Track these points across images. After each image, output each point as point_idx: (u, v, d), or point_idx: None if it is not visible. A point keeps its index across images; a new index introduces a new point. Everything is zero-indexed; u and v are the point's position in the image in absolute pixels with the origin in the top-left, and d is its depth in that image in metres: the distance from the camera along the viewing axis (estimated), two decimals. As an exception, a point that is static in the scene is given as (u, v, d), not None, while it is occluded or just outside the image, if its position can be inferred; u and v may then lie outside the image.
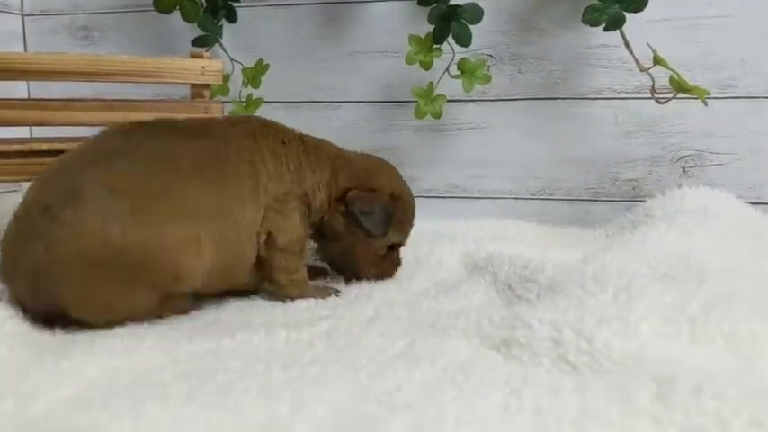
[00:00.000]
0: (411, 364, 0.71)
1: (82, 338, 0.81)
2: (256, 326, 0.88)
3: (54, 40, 1.70)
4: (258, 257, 0.99)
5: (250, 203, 0.97)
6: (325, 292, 1.04)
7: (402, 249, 1.27)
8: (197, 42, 1.53)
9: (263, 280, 1.02)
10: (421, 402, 0.61)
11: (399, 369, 0.70)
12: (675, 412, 0.55)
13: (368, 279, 1.13)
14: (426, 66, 1.41)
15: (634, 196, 1.47)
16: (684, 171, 1.43)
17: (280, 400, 0.63)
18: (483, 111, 1.53)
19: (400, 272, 1.17)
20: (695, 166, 1.42)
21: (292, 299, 1.01)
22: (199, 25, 1.51)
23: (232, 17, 1.58)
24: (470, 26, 1.39)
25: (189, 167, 0.92)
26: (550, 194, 1.52)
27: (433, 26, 1.39)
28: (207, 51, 1.54)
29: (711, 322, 0.70)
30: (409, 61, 1.40)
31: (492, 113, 1.52)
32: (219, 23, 1.57)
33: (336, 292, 1.05)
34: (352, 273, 1.14)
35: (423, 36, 1.40)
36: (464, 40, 1.39)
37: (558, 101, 1.48)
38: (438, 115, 1.42)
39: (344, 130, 1.59)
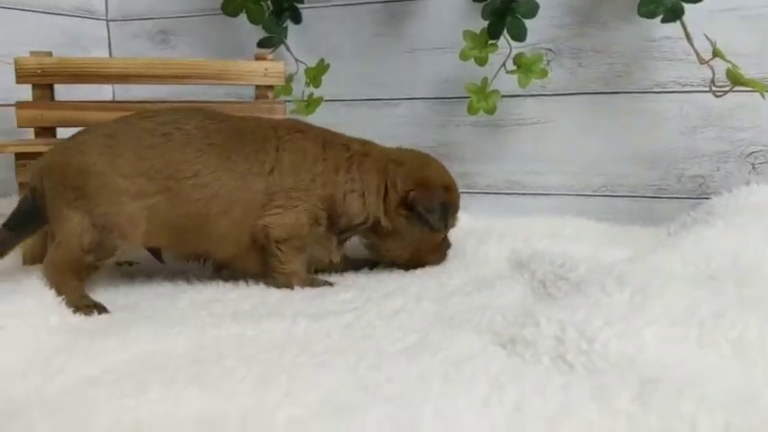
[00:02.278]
0: (412, 357, 0.72)
1: (120, 325, 0.87)
2: (284, 315, 0.92)
3: (135, 44, 1.81)
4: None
5: (243, 186, 1.04)
6: (316, 284, 1.09)
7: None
8: (262, 44, 1.59)
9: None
10: (406, 394, 0.63)
11: (400, 361, 0.71)
12: (651, 413, 0.54)
13: (431, 265, 1.19)
14: (481, 61, 1.40)
15: (700, 194, 1.41)
16: (754, 167, 1.36)
17: (275, 385, 0.66)
18: (543, 106, 1.50)
19: (444, 267, 1.19)
20: (765, 162, 1.35)
21: (278, 287, 1.07)
22: (264, 27, 1.57)
23: (297, 18, 1.63)
24: (526, 20, 1.38)
25: (199, 138, 1.03)
26: (612, 191, 1.48)
27: (487, 21, 1.39)
28: (272, 52, 1.60)
29: (721, 326, 0.68)
30: (464, 57, 1.40)
31: (552, 108, 1.50)
32: (285, 25, 1.62)
33: (329, 285, 1.09)
34: (415, 264, 1.19)
35: (478, 31, 1.40)
36: (519, 35, 1.38)
37: (621, 95, 1.44)
38: (491, 111, 1.41)
39: (403, 126, 1.61)
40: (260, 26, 1.59)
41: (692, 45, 1.25)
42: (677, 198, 1.43)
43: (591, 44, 1.45)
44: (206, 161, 1.03)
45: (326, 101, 1.61)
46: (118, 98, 1.82)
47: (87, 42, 1.76)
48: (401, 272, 1.18)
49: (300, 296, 1.04)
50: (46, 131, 1.39)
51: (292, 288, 1.07)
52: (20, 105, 1.37)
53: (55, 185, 0.99)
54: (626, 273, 0.86)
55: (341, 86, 1.64)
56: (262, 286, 1.09)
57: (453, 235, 1.34)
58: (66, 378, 0.70)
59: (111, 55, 1.83)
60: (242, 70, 1.43)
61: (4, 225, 1.03)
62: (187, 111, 1.10)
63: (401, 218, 1.13)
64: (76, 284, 0.97)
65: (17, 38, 1.58)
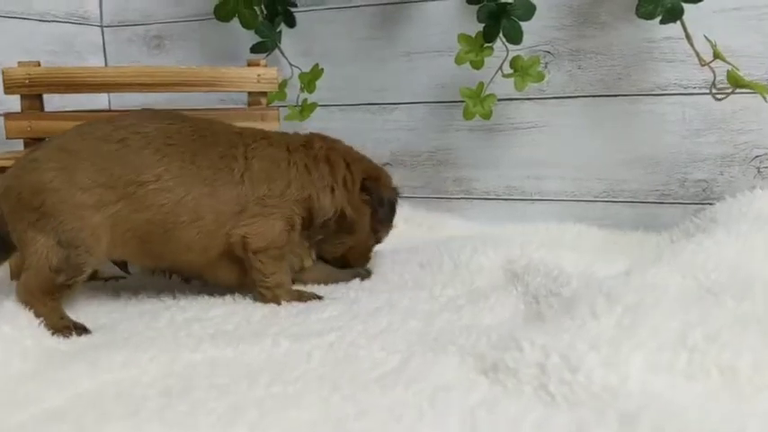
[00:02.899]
0: (388, 387, 0.69)
1: (94, 349, 0.85)
2: (266, 335, 0.89)
3: (130, 50, 1.79)
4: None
5: (211, 192, 1.00)
6: (304, 298, 1.06)
7: (440, 254, 1.25)
8: (255, 49, 1.56)
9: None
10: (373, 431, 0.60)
11: (374, 393, 0.69)
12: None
13: (355, 267, 1.19)
14: (477, 65, 1.37)
15: (704, 198, 1.36)
16: (759, 171, 1.31)
17: (243, 422, 0.63)
18: (541, 109, 1.47)
19: (438, 276, 1.16)
20: (771, 166, 1.31)
21: (264, 302, 1.04)
22: (256, 32, 1.54)
23: (291, 22, 1.60)
24: (524, 22, 1.34)
25: (159, 140, 1.00)
26: (614, 197, 1.44)
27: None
28: (266, 57, 1.57)
29: (711, 352, 0.64)
30: (459, 61, 1.37)
31: (550, 112, 1.46)
32: (278, 29, 1.59)
33: (317, 298, 1.06)
34: (342, 263, 1.18)
35: (473, 35, 1.37)
36: (514, 38, 1.34)
37: (621, 98, 1.40)
38: (487, 116, 1.37)
39: (400, 132, 1.58)
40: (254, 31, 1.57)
41: (692, 46, 1.21)
42: (680, 203, 1.39)
43: (590, 46, 1.41)
44: (168, 164, 0.99)
45: (322, 105, 1.58)
46: (114, 106, 1.81)
47: (82, 49, 1.74)
48: (393, 283, 1.15)
49: (286, 312, 1.01)
50: (36, 142, 1.38)
51: (279, 303, 1.05)
52: (8, 116, 1.35)
53: (13, 209, 0.96)
54: (617, 289, 0.83)
55: (336, 91, 1.61)
56: (248, 301, 1.06)
57: (450, 242, 1.32)
58: (31, 410, 0.67)
59: (106, 61, 1.81)
60: (234, 77, 1.40)
61: None
62: (144, 113, 1.07)
63: (364, 204, 1.13)
64: (53, 305, 0.94)
65: (11, 46, 1.56)
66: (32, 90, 1.36)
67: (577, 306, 0.81)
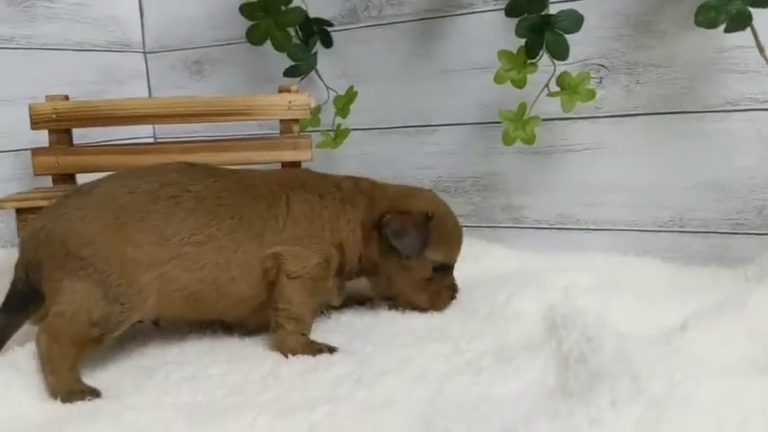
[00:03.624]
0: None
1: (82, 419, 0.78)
2: (251, 407, 0.80)
3: (173, 76, 1.75)
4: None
5: (247, 240, 0.98)
6: (315, 350, 0.98)
7: (478, 296, 1.14)
8: (289, 73, 1.48)
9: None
10: None
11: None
12: None
13: (421, 307, 1.12)
14: (519, 84, 1.24)
15: (786, 228, 1.18)
16: None
17: None
18: (596, 129, 1.32)
19: (467, 327, 1.04)
20: None
21: (284, 353, 0.98)
22: (289, 55, 1.46)
23: (327, 42, 1.52)
24: (571, 35, 1.20)
25: (210, 200, 0.98)
26: (681, 226, 1.28)
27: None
28: (301, 81, 1.49)
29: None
30: (498, 80, 1.24)
31: (606, 132, 1.31)
32: (314, 50, 1.51)
33: (331, 350, 0.98)
34: (404, 303, 1.13)
35: (515, 51, 1.24)
36: (559, 53, 1.20)
37: (686, 115, 1.24)
38: (530, 141, 1.24)
39: (441, 156, 1.46)
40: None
41: (764, 57, 1.04)
42: (757, 234, 1.21)
43: (649, 57, 1.25)
44: (219, 223, 0.97)
45: (359, 129, 1.49)
46: (158, 134, 1.78)
47: (124, 76, 1.72)
48: (416, 334, 1.04)
49: (289, 370, 0.92)
50: (64, 178, 1.35)
51: (286, 355, 0.96)
52: (36, 152, 1.33)
53: (54, 256, 0.90)
54: (651, 367, 0.69)
55: (374, 113, 1.51)
56: (256, 355, 0.98)
57: (492, 281, 1.21)
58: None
59: (149, 87, 1.78)
60: (264, 105, 1.33)
61: (1, 310, 0.94)
62: (185, 168, 1.02)
63: (374, 243, 1.07)
64: (74, 362, 0.88)
65: (55, 78, 1.54)
66: (60, 125, 1.33)
67: (598, 388, 0.67)
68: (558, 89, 1.23)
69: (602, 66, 1.29)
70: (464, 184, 1.46)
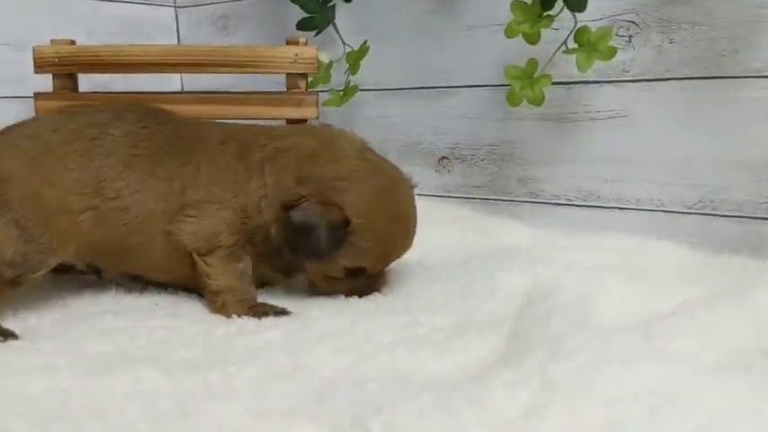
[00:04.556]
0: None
1: None
2: (161, 358, 0.73)
3: (201, 31, 1.71)
4: None
5: (152, 202, 0.90)
6: (258, 312, 0.88)
7: (466, 270, 1.04)
8: (302, 25, 1.40)
9: None
10: None
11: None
12: None
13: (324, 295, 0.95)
14: (532, 38, 1.11)
15: (835, 216, 1.01)
16: None
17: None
18: (623, 94, 1.17)
19: (437, 300, 0.94)
20: None
21: (212, 311, 0.91)
22: (302, 7, 1.38)
23: (346, -5, 1.43)
24: (594, -15, 1.07)
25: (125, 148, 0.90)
26: (713, 208, 1.12)
27: (541, -12, 1.09)
28: (317, 35, 1.41)
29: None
30: (510, 33, 1.12)
31: (635, 98, 1.16)
32: (332, 3, 1.42)
33: (278, 314, 0.88)
34: (318, 291, 0.96)
35: (530, 2, 1.11)
36: (576, 4, 1.07)
37: (725, 80, 1.08)
38: (538, 102, 1.11)
39: (458, 120, 1.35)
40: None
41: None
42: (800, 221, 1.04)
43: (685, 14, 1.10)
44: (129, 177, 0.89)
45: (375, 90, 1.40)
46: (186, 88, 1.74)
47: (152, 30, 1.69)
48: (380, 304, 0.94)
49: (224, 332, 0.84)
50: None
51: (228, 316, 0.89)
52: (39, 96, 1.30)
53: None
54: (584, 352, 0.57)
55: (392, 73, 1.41)
56: (201, 314, 0.91)
57: (484, 257, 1.10)
58: None
59: (179, 42, 1.75)
60: (268, 56, 1.25)
61: None
62: (125, 107, 0.96)
63: (278, 224, 0.90)
64: None
65: (79, 26, 1.53)
66: (62, 69, 1.30)
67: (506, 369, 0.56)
68: (575, 46, 1.10)
69: (632, 22, 1.14)
70: (480, 152, 1.34)
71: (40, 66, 1.30)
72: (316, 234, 0.86)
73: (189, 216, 0.89)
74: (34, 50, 1.30)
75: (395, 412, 0.52)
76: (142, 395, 0.66)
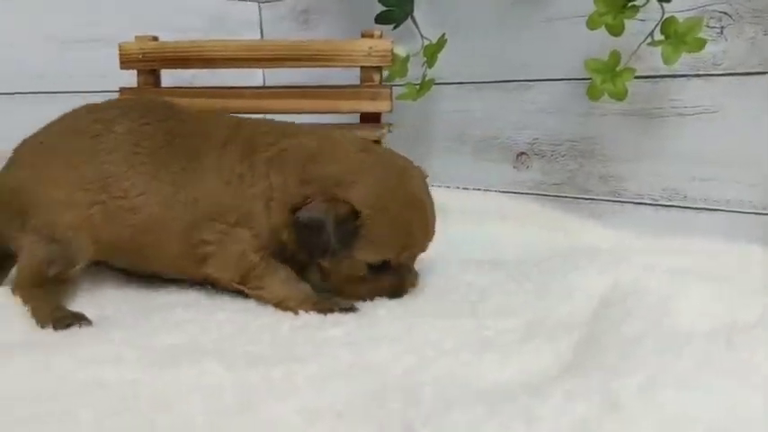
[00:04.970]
0: None
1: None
2: (226, 352, 0.74)
3: (282, 27, 1.72)
4: None
5: (173, 217, 0.90)
6: (324, 308, 0.87)
7: (540, 271, 1.00)
8: (380, 19, 1.39)
9: None
10: None
11: None
12: None
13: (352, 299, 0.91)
14: (615, 30, 1.07)
15: None
16: None
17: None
18: (713, 88, 1.11)
19: (509, 301, 0.91)
20: None
21: (292, 311, 0.88)
22: (380, 0, 1.37)
23: (426, -13, 1.41)
24: (683, -27, 1.01)
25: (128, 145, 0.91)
26: (811, 212, 1.05)
27: (626, -23, 1.04)
28: (395, 28, 1.40)
29: None
30: (592, 25, 1.08)
31: (726, 93, 1.10)
32: (411, -4, 1.40)
33: (346, 310, 0.86)
34: (339, 292, 0.92)
35: (621, -7, 1.06)
36: (663, -7, 1.01)
37: (827, 74, 1.01)
38: (621, 96, 1.06)
39: (537, 114, 1.31)
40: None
41: None
42: None
43: (783, 2, 1.03)
44: (133, 177, 0.90)
45: (453, 83, 1.38)
46: (268, 82, 1.76)
47: (236, 26, 1.72)
48: (446, 304, 0.92)
49: (289, 326, 0.84)
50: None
51: (296, 312, 0.88)
52: (123, 92, 1.35)
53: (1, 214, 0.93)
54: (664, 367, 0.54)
55: (471, 66, 1.39)
56: (269, 308, 0.92)
57: (564, 257, 1.06)
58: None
59: (262, 37, 1.77)
60: (342, 49, 1.26)
61: None
62: (130, 103, 0.98)
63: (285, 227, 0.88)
64: (45, 297, 0.88)
65: (162, 22, 1.57)
66: (146, 65, 1.35)
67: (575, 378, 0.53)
68: (662, 38, 1.04)
69: (724, 13, 1.08)
70: (560, 148, 1.30)
71: (125, 61, 1.34)
72: (324, 230, 0.83)
73: (208, 244, 0.89)
74: (120, 47, 1.34)
75: (444, 422, 0.50)
76: (206, 389, 0.67)
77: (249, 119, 0.99)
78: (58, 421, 0.59)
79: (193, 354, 0.75)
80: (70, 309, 0.88)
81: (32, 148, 0.95)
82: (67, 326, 0.83)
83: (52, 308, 0.87)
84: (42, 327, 0.84)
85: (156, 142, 0.92)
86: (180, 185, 0.90)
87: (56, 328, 0.83)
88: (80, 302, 0.93)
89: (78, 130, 0.93)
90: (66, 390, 0.66)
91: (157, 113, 0.95)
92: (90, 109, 0.97)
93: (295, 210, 0.86)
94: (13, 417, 0.60)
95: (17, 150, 0.96)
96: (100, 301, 0.95)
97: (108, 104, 0.98)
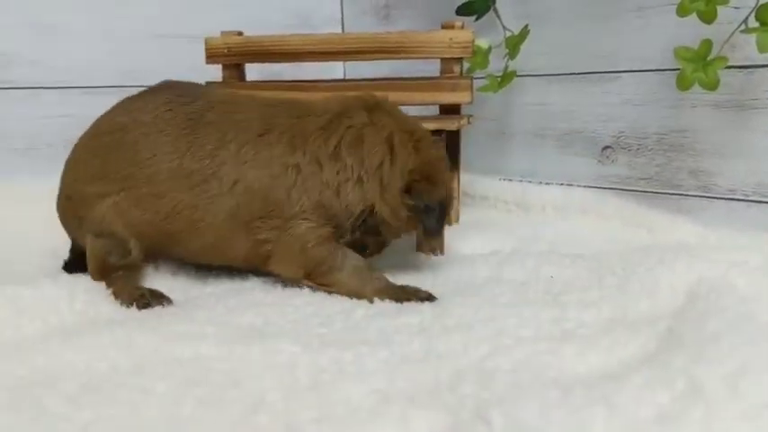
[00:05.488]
0: None
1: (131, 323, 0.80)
2: (301, 334, 0.74)
3: (364, 22, 1.73)
4: None
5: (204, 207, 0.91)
6: (402, 296, 0.87)
7: (625, 264, 0.97)
8: (461, 11, 1.38)
9: None
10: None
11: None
12: None
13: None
14: (707, 17, 1.02)
15: None
16: None
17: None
18: (815, 79, 1.05)
19: (588, 294, 0.89)
20: None
21: (367, 298, 0.89)
22: (461, -9, 1.36)
23: (508, -21, 1.38)
24: (782, -46, 0.96)
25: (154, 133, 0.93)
26: None
27: (719, -39, 1.00)
28: (477, 20, 1.38)
29: None
30: (682, 12, 1.03)
31: (829, 82, 1.03)
32: (494, -13, 1.38)
33: (423, 299, 0.87)
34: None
35: (707, -23, 1.02)
36: (760, -23, 0.96)
37: None
38: (712, 86, 1.01)
39: (623, 106, 1.27)
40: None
41: None
42: None
43: None
44: (156, 164, 0.92)
45: (535, 75, 1.35)
46: (348, 75, 1.77)
47: (319, 21, 1.74)
48: (528, 294, 0.90)
49: (363, 313, 0.84)
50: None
51: (371, 300, 0.88)
52: (209, 85, 1.38)
53: (64, 218, 1.00)
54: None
55: (554, 57, 1.35)
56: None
57: (646, 251, 1.03)
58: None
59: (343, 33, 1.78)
60: (422, 41, 1.26)
61: (64, 269, 1.02)
62: (158, 91, 0.99)
63: (403, 209, 0.91)
64: (122, 281, 0.92)
65: (248, 19, 1.61)
66: (231, 59, 1.37)
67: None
68: (756, 25, 0.99)
69: (828, -4, 1.01)
70: (647, 142, 1.25)
71: (211, 56, 1.37)
72: (435, 213, 0.91)
73: (266, 243, 0.90)
74: (206, 41, 1.37)
75: (518, 406, 0.48)
76: (279, 367, 0.68)
77: (275, 101, 0.99)
78: (137, 392, 0.61)
79: (269, 334, 0.76)
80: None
81: (73, 151, 1.00)
82: (147, 305, 0.86)
83: (131, 289, 0.90)
84: (127, 307, 0.87)
85: (178, 125, 0.93)
86: (210, 173, 0.90)
87: (138, 307, 0.86)
88: (165, 285, 0.95)
89: (109, 125, 0.96)
90: (146, 364, 0.68)
91: (182, 96, 0.96)
92: (121, 102, 1.00)
93: (405, 190, 0.91)
94: (95, 387, 0.62)
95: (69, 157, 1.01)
96: (184, 285, 0.97)
97: (139, 95, 1.00)
